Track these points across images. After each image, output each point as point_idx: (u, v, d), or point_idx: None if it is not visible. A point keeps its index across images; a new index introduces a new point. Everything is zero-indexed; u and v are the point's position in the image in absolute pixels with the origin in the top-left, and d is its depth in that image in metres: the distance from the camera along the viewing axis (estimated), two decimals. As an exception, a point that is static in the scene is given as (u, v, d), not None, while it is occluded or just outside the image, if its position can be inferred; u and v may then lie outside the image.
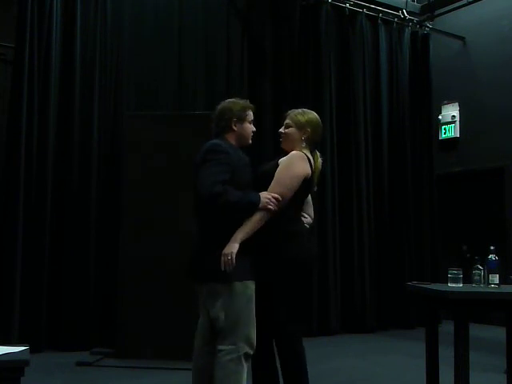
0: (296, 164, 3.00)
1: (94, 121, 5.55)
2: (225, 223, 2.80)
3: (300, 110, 3.20)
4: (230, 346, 2.75)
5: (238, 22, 6.45)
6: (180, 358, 4.69)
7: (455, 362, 3.12)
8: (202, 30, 6.20)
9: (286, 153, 3.14)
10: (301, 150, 3.08)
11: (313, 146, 3.17)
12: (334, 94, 6.84)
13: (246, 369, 2.78)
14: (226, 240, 2.77)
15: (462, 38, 7.83)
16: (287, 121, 3.17)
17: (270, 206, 2.83)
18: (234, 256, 2.73)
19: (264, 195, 2.85)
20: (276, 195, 2.87)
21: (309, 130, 3.12)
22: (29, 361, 2.25)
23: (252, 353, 2.80)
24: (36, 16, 5.33)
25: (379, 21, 7.27)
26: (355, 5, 7.08)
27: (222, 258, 2.74)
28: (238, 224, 2.81)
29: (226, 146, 2.89)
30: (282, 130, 3.18)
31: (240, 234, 2.79)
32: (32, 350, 2.57)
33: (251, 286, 2.82)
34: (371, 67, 7.20)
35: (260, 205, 2.82)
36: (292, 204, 2.97)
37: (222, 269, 2.73)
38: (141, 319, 4.86)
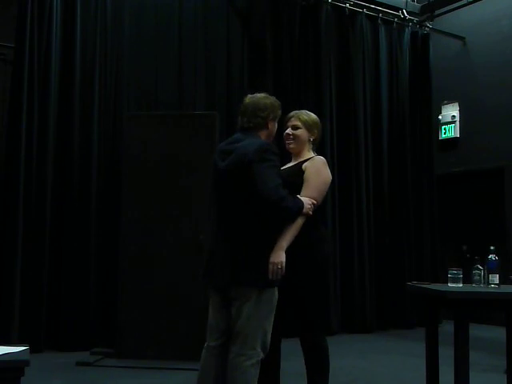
0: (324, 170, 3.06)
1: (94, 121, 5.55)
2: (266, 227, 2.75)
3: (304, 111, 3.22)
4: (250, 351, 2.72)
5: (238, 22, 6.45)
6: (180, 358, 4.70)
7: (455, 362, 3.12)
8: (202, 29, 6.20)
9: (289, 155, 3.19)
10: (306, 152, 3.15)
11: (315, 146, 3.22)
12: (333, 94, 6.84)
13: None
14: (267, 244, 2.73)
15: (462, 38, 7.83)
16: (295, 122, 3.16)
17: (310, 212, 2.86)
18: (284, 265, 2.72)
19: (306, 201, 2.85)
20: (313, 200, 2.90)
21: (316, 131, 3.17)
22: (29, 361, 2.25)
23: (263, 357, 2.79)
24: (36, 16, 5.32)
25: (379, 21, 7.27)
26: (355, 5, 7.08)
27: (271, 267, 2.70)
28: (276, 228, 2.78)
29: (275, 147, 2.86)
30: (289, 131, 3.17)
31: (285, 241, 2.78)
32: (32, 350, 2.57)
33: (276, 293, 2.79)
34: (371, 67, 7.20)
35: (303, 210, 2.82)
36: (318, 208, 3.02)
37: (270, 277, 2.70)
38: (141, 319, 4.86)
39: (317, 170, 3.03)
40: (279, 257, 2.72)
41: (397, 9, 7.42)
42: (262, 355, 2.75)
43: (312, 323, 3.01)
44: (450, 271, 3.34)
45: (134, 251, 4.94)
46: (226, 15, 6.35)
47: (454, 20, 7.79)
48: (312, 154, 3.18)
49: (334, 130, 6.75)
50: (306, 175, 3.00)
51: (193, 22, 6.15)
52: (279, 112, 2.99)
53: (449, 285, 3.31)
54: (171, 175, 4.99)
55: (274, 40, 6.56)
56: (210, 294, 2.95)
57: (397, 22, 7.42)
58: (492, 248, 3.32)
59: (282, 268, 2.71)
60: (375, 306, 6.77)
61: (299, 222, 2.83)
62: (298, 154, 3.17)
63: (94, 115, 5.56)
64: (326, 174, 3.06)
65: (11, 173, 5.16)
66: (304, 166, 3.06)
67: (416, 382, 4.05)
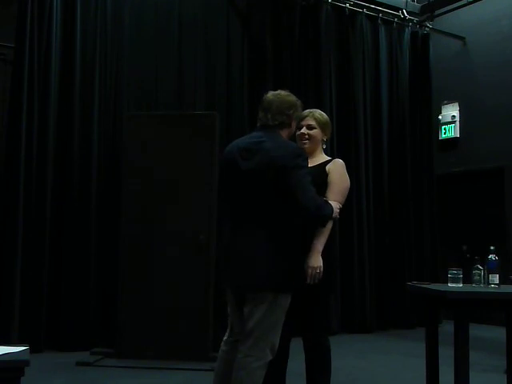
0: (346, 174, 3.14)
1: (94, 121, 5.55)
2: (288, 231, 2.74)
3: (318, 111, 3.23)
4: (260, 353, 2.71)
5: (238, 22, 6.45)
6: (180, 357, 4.70)
7: (455, 362, 3.12)
8: (202, 29, 6.20)
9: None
10: (320, 153, 3.18)
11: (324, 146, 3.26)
12: (333, 94, 6.84)
13: None
14: (287, 249, 2.72)
15: (462, 38, 7.83)
16: (310, 122, 3.15)
17: (338, 216, 2.92)
18: (322, 269, 2.76)
19: (335, 205, 2.89)
20: (340, 204, 2.97)
21: (328, 131, 3.22)
22: (29, 361, 2.24)
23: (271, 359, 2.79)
24: (36, 16, 5.32)
25: (379, 21, 7.27)
26: (355, 5, 7.08)
27: (310, 271, 2.76)
28: (298, 233, 2.78)
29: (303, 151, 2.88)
30: (304, 131, 3.15)
31: (321, 245, 2.84)
32: (32, 350, 2.56)
33: (290, 298, 2.78)
34: (371, 67, 7.20)
35: (333, 215, 2.86)
36: None
37: (308, 281, 2.75)
38: (141, 319, 4.86)
39: (340, 174, 3.09)
40: (318, 261, 2.78)
41: (397, 9, 7.43)
42: (270, 357, 2.75)
43: (315, 323, 3.01)
44: (449, 271, 3.34)
45: (133, 251, 4.93)
46: (226, 15, 6.35)
47: (454, 20, 7.79)
48: (325, 155, 3.22)
49: (333, 130, 6.73)
50: (330, 178, 3.04)
51: (193, 22, 6.15)
52: (301, 111, 3.01)
53: (449, 285, 3.31)
54: (171, 175, 4.99)
55: (273, 40, 6.57)
56: (227, 293, 2.94)
57: (397, 22, 7.42)
58: (492, 248, 3.31)
59: (320, 272, 2.76)
60: (375, 305, 6.77)
61: (330, 225, 2.90)
62: (311, 153, 3.15)
63: (94, 115, 5.56)
64: (347, 178, 3.14)
65: (11, 173, 5.16)
66: (328, 168, 3.08)
67: (416, 382, 4.04)
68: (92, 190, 5.47)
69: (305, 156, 2.79)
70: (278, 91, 2.94)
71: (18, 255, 5.05)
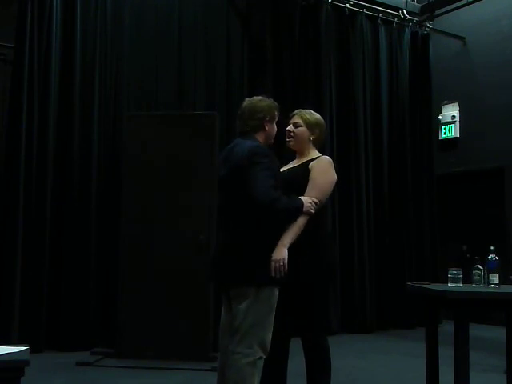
0: (330, 170, 3.07)
1: (94, 121, 5.55)
2: (261, 228, 2.76)
3: (308, 111, 3.22)
4: (246, 349, 2.71)
5: (238, 22, 6.45)
6: (180, 357, 4.70)
7: (455, 362, 3.11)
8: (202, 29, 6.20)
9: (292, 152, 3.19)
10: (309, 152, 3.14)
11: (318, 147, 3.21)
12: (333, 94, 6.84)
13: (258, 372, 2.76)
14: (263, 244, 2.75)
15: (462, 38, 7.83)
16: (296, 120, 3.15)
17: (311, 211, 2.86)
18: (286, 262, 2.73)
19: (306, 200, 2.86)
20: (315, 200, 2.90)
21: (317, 131, 3.17)
22: (29, 361, 2.24)
23: (265, 357, 2.77)
24: (36, 16, 5.32)
25: (379, 21, 7.27)
26: (355, 5, 7.08)
27: (273, 264, 2.72)
28: (273, 228, 2.80)
29: (266, 149, 2.87)
30: (290, 128, 3.16)
31: (287, 239, 2.79)
32: (32, 350, 2.56)
33: (276, 293, 2.79)
34: (371, 67, 7.20)
35: (304, 209, 2.83)
36: (322, 208, 3.02)
37: (273, 275, 2.71)
38: (141, 319, 4.86)
39: (322, 169, 3.04)
40: (281, 254, 2.74)
41: (397, 9, 7.43)
42: (260, 354, 2.74)
43: (314, 323, 3.01)
44: (449, 271, 3.33)
45: (133, 251, 4.94)
46: (225, 15, 6.34)
47: (454, 20, 7.79)
48: (317, 154, 3.17)
49: (333, 130, 6.75)
50: (311, 174, 3.01)
51: (193, 22, 6.14)
52: (276, 113, 3.01)
53: (449, 285, 3.31)
54: (171, 175, 4.99)
55: (273, 40, 6.57)
56: (221, 295, 2.98)
57: (397, 22, 7.42)
58: (492, 248, 3.31)
59: (284, 265, 2.72)
60: (375, 305, 6.77)
61: (301, 220, 2.83)
62: (301, 153, 3.16)
63: (94, 115, 5.56)
64: (331, 174, 3.07)
65: (11, 173, 5.16)
66: (311, 165, 3.06)
67: (416, 382, 4.04)
68: (92, 189, 5.47)
69: (263, 153, 2.79)
70: (252, 97, 3.01)
71: (18, 255, 5.06)
